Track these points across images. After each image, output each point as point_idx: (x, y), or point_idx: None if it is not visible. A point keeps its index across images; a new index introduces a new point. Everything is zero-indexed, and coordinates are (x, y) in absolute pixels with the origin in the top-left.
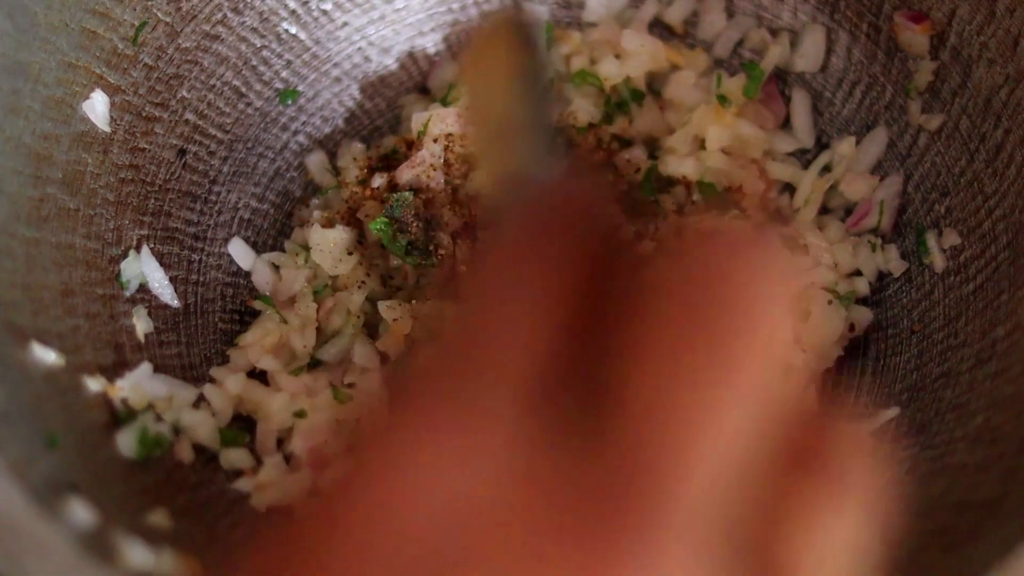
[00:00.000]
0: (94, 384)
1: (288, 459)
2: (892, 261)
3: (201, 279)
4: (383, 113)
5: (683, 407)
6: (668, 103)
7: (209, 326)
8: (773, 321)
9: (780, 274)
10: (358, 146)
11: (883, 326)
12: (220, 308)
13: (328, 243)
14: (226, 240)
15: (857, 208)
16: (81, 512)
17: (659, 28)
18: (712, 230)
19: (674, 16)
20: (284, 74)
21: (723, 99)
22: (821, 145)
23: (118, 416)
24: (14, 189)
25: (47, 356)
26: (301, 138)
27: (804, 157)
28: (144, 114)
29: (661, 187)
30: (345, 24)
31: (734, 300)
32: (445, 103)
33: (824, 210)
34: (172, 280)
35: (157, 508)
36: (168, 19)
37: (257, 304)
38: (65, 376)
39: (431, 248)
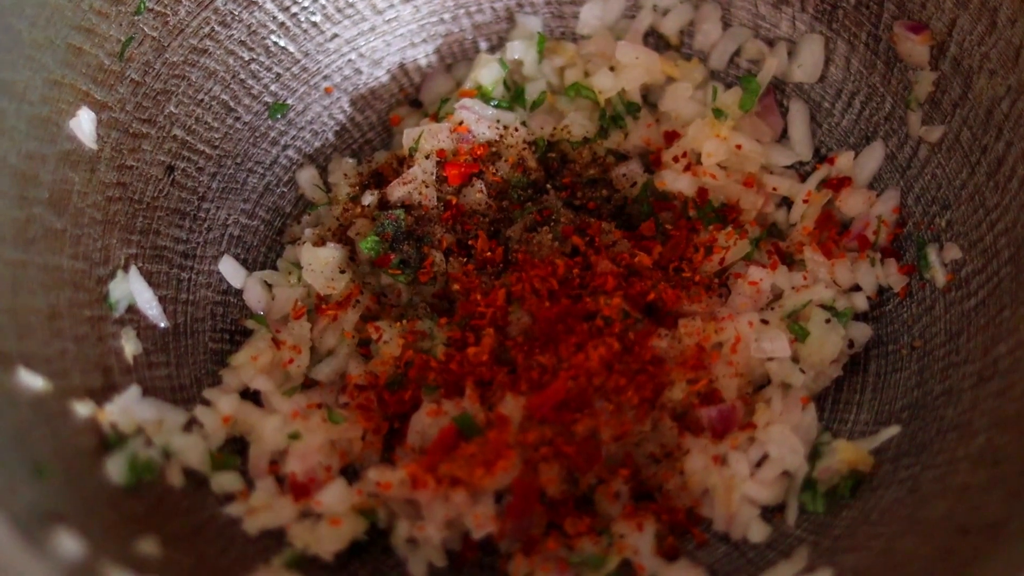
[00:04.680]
0: (82, 409)
1: (281, 481)
2: (892, 275)
3: (191, 298)
4: (374, 126)
5: None
6: (664, 116)
7: (199, 346)
8: None
9: None
10: (349, 162)
11: (883, 342)
12: (210, 327)
13: (320, 262)
14: (216, 258)
15: (855, 223)
16: (68, 543)
17: (654, 39)
18: None
19: (670, 27)
20: (273, 87)
21: (719, 113)
22: (820, 157)
23: (107, 441)
24: None
25: (34, 381)
26: (291, 152)
27: (803, 169)
28: (131, 131)
29: (658, 201)
30: (335, 36)
31: None
32: (438, 117)
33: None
34: (161, 300)
35: (147, 536)
36: (155, 34)
37: (250, 323)
38: (53, 401)
39: (424, 266)
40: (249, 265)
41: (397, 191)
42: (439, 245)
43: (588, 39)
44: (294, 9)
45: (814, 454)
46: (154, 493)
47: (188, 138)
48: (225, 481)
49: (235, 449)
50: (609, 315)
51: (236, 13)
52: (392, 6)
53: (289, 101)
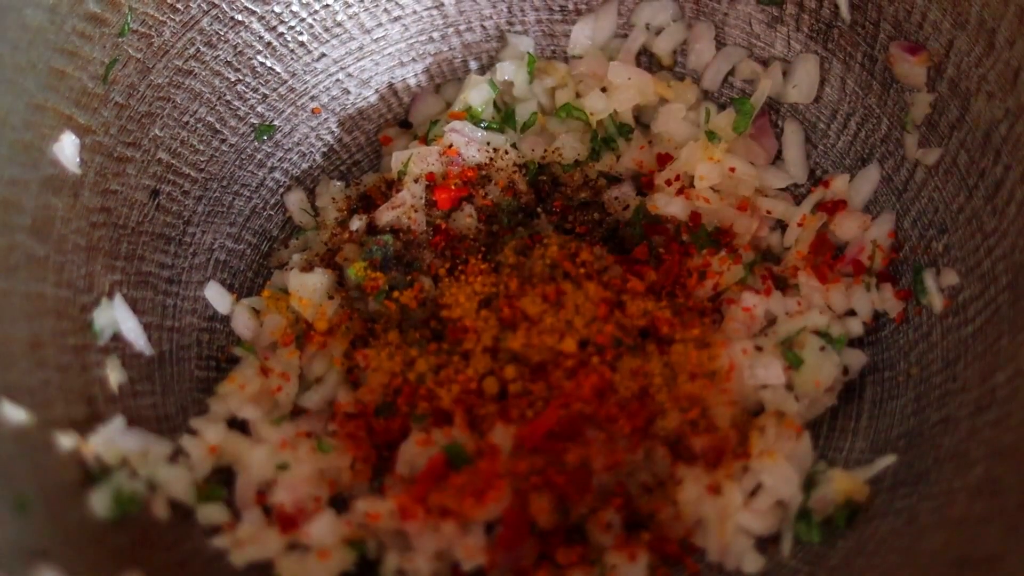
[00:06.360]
0: (66, 440)
1: (268, 512)
2: (887, 301)
3: (176, 325)
4: (362, 147)
5: None
6: (657, 138)
7: (185, 374)
8: None
9: None
10: (337, 185)
11: (879, 368)
12: (196, 355)
13: (308, 288)
14: (201, 283)
15: (850, 247)
16: None
17: (647, 59)
18: None
19: (663, 47)
20: (260, 109)
21: (712, 135)
22: (815, 179)
23: (91, 474)
24: None
25: (16, 414)
26: (278, 175)
27: (798, 191)
28: (115, 155)
29: (650, 225)
30: (323, 56)
31: None
32: (427, 140)
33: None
34: (146, 327)
35: (131, 570)
36: (139, 55)
37: (238, 351)
38: (36, 433)
39: (413, 292)
40: (235, 290)
41: (386, 215)
42: (428, 270)
43: (579, 59)
44: (281, 29)
45: (809, 483)
46: (139, 526)
47: (173, 161)
48: (211, 513)
49: (221, 480)
50: (601, 342)
51: (222, 33)
52: (380, 25)
53: (276, 122)
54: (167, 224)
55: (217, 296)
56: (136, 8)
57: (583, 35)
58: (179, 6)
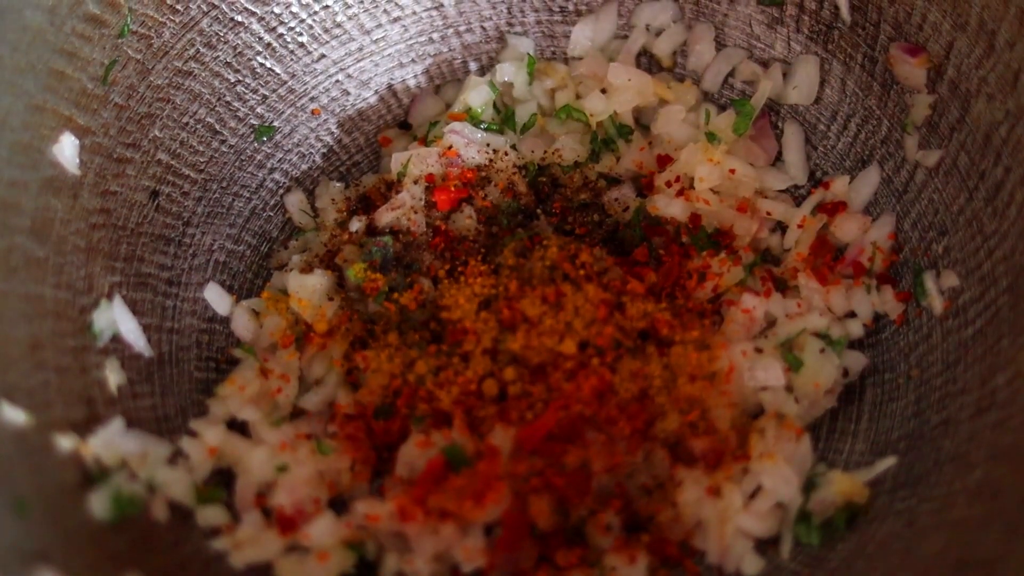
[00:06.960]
0: (65, 442)
1: (268, 514)
2: (888, 303)
3: (175, 326)
4: (362, 148)
5: None
6: (657, 139)
7: (184, 375)
8: None
9: None
10: (336, 186)
11: (879, 370)
12: (195, 356)
13: (307, 290)
14: (201, 284)
15: (849, 249)
16: None
17: (647, 60)
18: None
19: (663, 48)
20: (259, 110)
21: (712, 136)
22: (815, 181)
23: (90, 475)
24: None
25: (16, 415)
26: (277, 176)
27: (798, 192)
28: (115, 155)
29: (650, 226)
30: (322, 57)
31: None
32: (427, 141)
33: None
34: (145, 328)
35: (131, 572)
36: (139, 56)
37: (238, 352)
38: (35, 435)
39: (412, 293)
40: (235, 291)
41: (385, 217)
42: (428, 272)
43: (579, 60)
44: (280, 30)
45: (809, 485)
46: (138, 528)
47: (173, 162)
48: (211, 514)
49: (221, 481)
50: (601, 344)
51: (222, 34)
52: (380, 26)
53: (276, 123)
54: (167, 225)
55: (217, 297)
56: (136, 9)
57: (583, 36)
58: (179, 7)
